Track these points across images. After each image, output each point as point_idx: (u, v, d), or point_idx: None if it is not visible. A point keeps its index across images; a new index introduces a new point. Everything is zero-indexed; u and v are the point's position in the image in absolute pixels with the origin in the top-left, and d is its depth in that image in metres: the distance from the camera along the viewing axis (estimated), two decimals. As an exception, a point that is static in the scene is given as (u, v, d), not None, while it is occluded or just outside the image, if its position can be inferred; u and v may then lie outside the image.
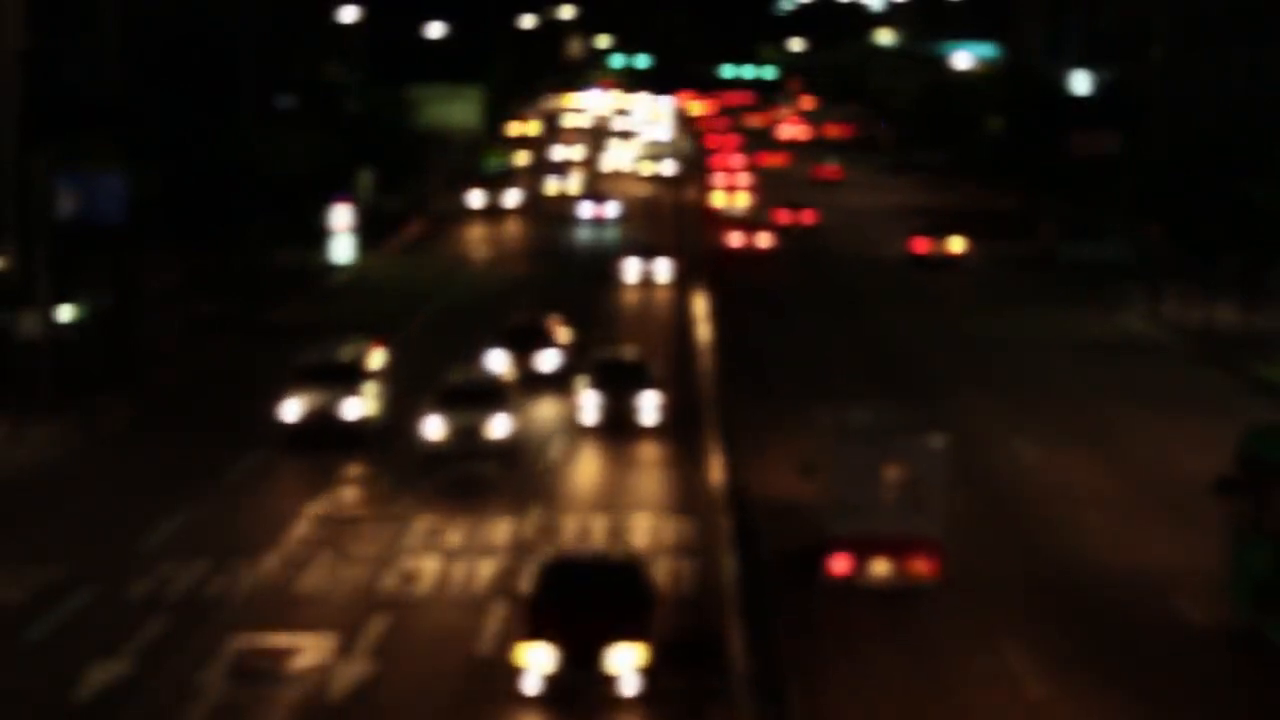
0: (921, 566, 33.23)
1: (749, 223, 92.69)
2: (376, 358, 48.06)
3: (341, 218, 79.99)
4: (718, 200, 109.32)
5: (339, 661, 29.97)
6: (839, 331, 64.88)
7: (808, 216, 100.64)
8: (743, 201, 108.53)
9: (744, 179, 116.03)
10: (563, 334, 55.88)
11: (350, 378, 46.15)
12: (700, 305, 68.44)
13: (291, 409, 45.44)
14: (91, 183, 51.52)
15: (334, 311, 69.18)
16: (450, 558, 36.06)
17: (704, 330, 62.76)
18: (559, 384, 52.18)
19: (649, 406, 47.54)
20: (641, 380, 48.20)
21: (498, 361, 53.13)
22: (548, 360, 54.03)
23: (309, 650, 30.44)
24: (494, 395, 44.83)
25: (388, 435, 46.14)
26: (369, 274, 79.77)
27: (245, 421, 46.92)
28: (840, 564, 33.36)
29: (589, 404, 47.58)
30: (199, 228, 65.07)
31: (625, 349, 53.57)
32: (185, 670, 29.54)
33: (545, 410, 50.14)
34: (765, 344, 61.71)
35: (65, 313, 53.52)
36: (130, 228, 55.01)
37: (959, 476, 39.98)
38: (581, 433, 47.31)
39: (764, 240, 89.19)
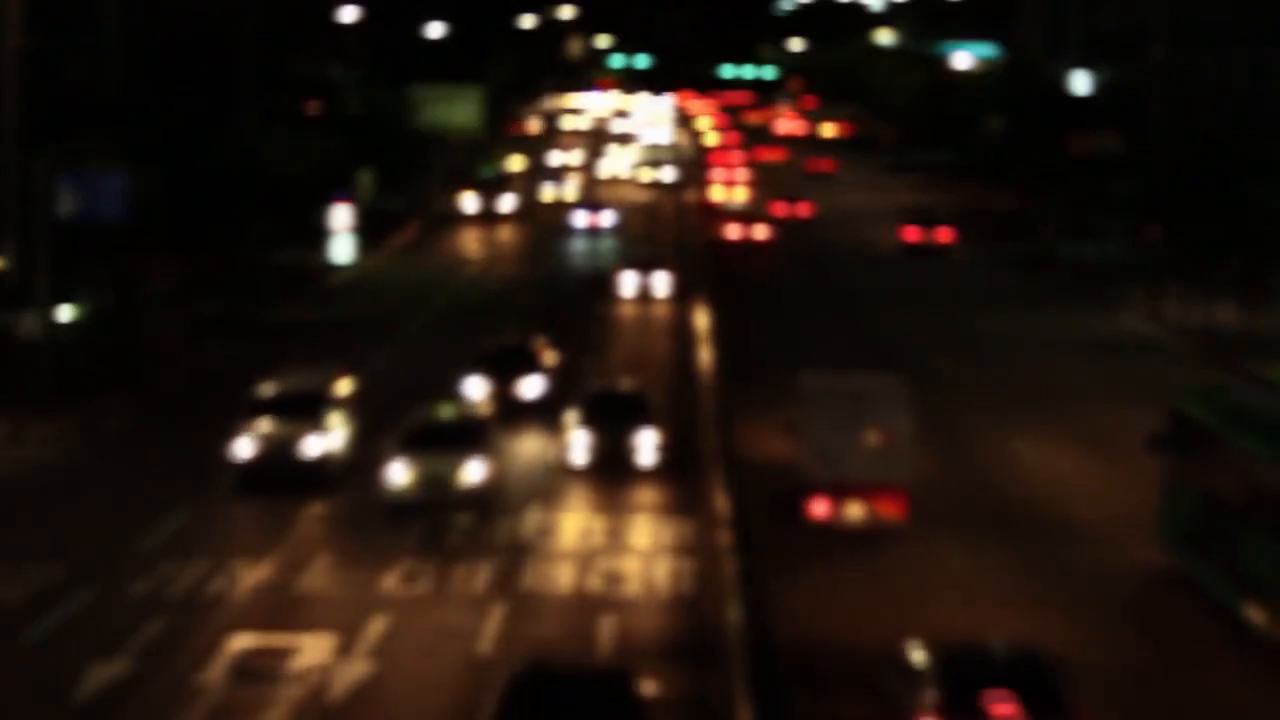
0: (890, 509, 37.57)
1: (746, 216, 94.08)
2: (341, 387, 43.93)
3: (341, 218, 80.00)
4: (716, 195, 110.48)
5: (339, 661, 29.99)
6: (839, 332, 64.83)
7: (804, 209, 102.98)
8: (741, 196, 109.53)
9: (742, 174, 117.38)
10: (549, 357, 51.43)
11: (311, 411, 41.97)
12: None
13: (245, 445, 41.21)
14: (92, 183, 51.52)
15: (334, 311, 69.26)
16: (451, 557, 36.09)
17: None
18: (544, 413, 48.34)
19: (647, 445, 42.76)
20: (639, 415, 43.36)
21: (476, 388, 48.93)
22: (532, 386, 49.37)
23: (309, 650, 30.46)
24: (467, 436, 39.85)
25: (357, 473, 41.93)
26: (369, 274, 79.79)
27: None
28: (819, 508, 37.69)
29: (579, 443, 42.81)
30: (199, 228, 65.09)
31: (621, 379, 49.17)
32: (185, 670, 29.57)
33: (528, 449, 45.57)
34: (765, 345, 61.61)
35: (65, 313, 53.52)
36: (130, 228, 55.03)
37: (959, 475, 43.49)
38: (570, 475, 42.79)
39: (761, 232, 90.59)
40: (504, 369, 49.57)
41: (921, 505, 38.96)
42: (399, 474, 38.83)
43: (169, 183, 61.55)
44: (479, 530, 38.03)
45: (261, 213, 71.90)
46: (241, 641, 30.90)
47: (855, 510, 37.51)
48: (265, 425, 41.40)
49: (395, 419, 41.63)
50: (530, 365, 49.95)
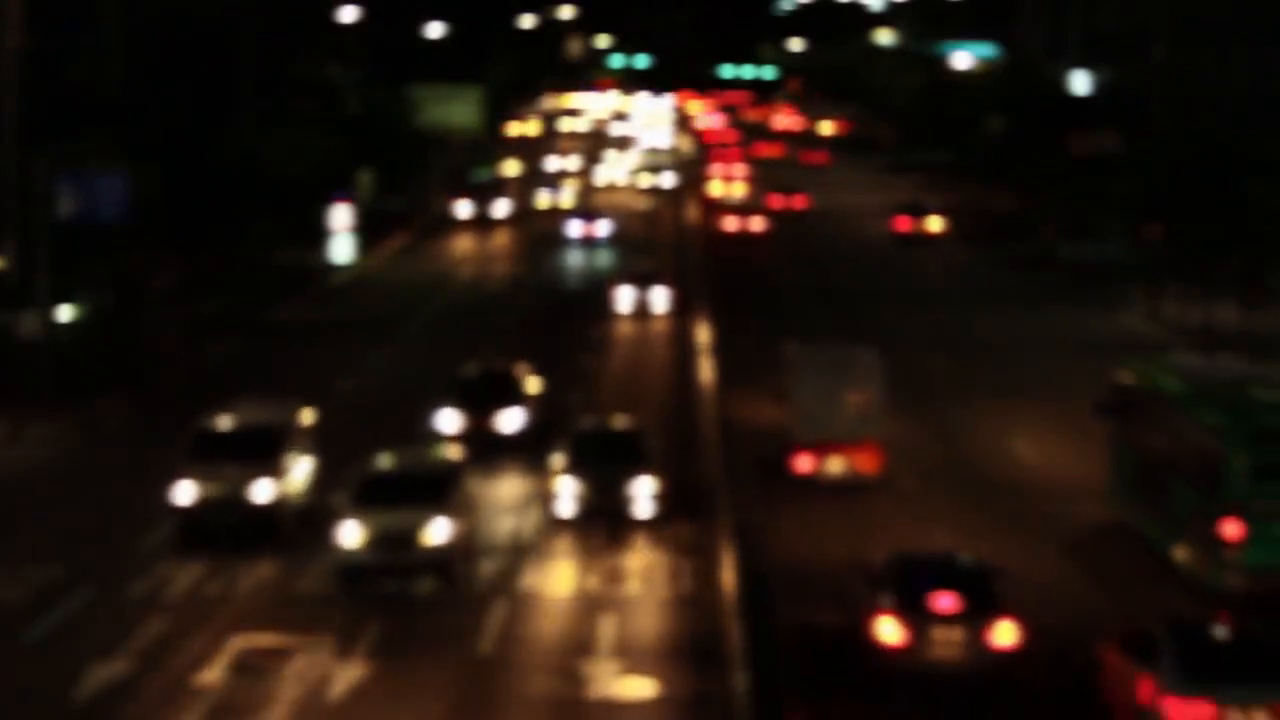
0: (867, 463, 41.55)
1: (743, 208, 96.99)
2: (301, 421, 39.21)
3: (341, 218, 79.97)
4: (715, 189, 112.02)
5: (338, 661, 29.97)
6: (839, 332, 64.77)
7: (799, 201, 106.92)
8: (739, 191, 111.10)
9: (740, 170, 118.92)
10: (532, 384, 46.27)
11: (265, 450, 37.20)
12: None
13: (185, 490, 36.57)
14: (91, 183, 51.55)
15: (334, 311, 69.28)
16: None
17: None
18: (527, 450, 43.87)
19: (644, 494, 37.76)
20: (635, 459, 38.35)
21: (449, 422, 44.14)
22: (512, 420, 44.38)
23: (309, 650, 30.44)
24: (432, 487, 34.55)
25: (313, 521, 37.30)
26: (369, 274, 79.78)
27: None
28: (803, 464, 41.64)
29: (566, 491, 37.97)
30: (199, 227, 65.08)
31: (614, 416, 43.19)
32: (185, 670, 29.58)
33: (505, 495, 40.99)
34: (765, 343, 61.61)
35: (65, 313, 53.52)
36: (130, 228, 55.05)
37: (947, 457, 45.49)
38: (556, 528, 38.10)
39: (757, 224, 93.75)
40: (480, 399, 44.61)
41: (910, 485, 42.21)
42: (350, 534, 33.56)
43: (169, 183, 61.56)
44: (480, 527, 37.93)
45: (261, 213, 71.89)
46: (241, 642, 30.90)
47: (835, 465, 41.58)
48: (210, 467, 36.73)
49: (381, 438, 39.77)
50: (510, 395, 44.94)
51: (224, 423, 38.26)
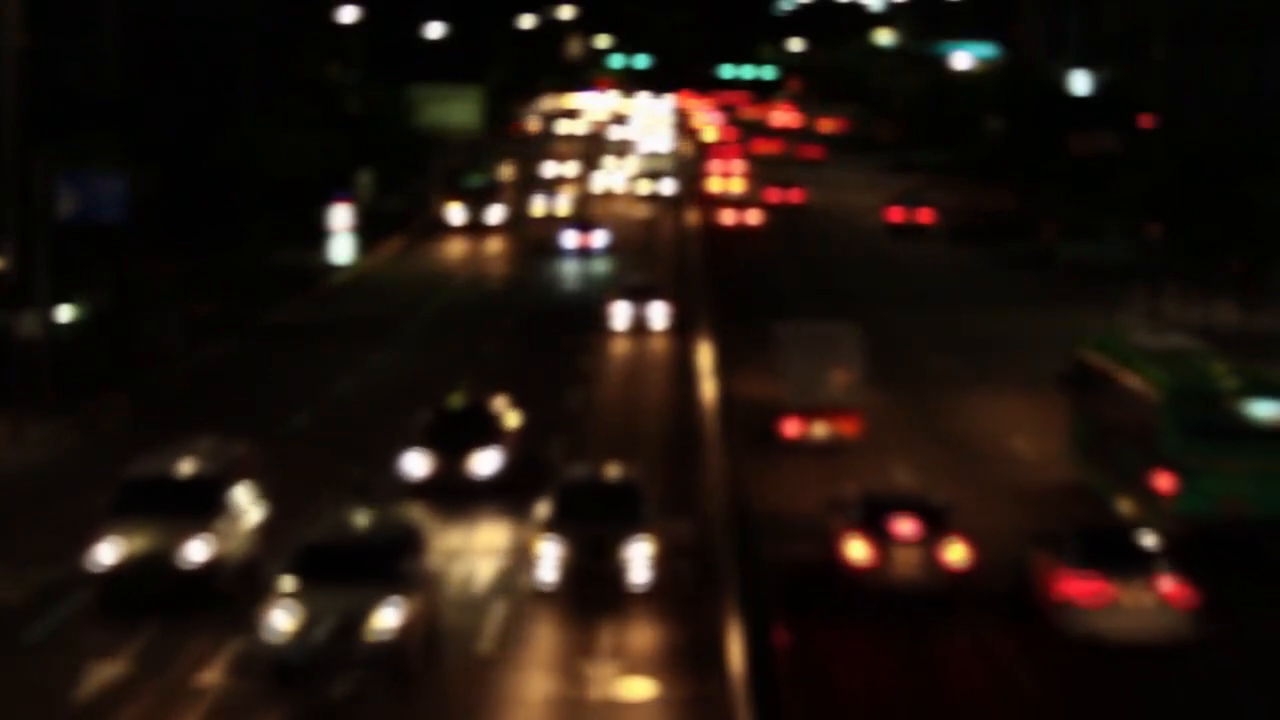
0: (849, 428, 46.07)
1: (741, 202, 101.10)
2: (244, 464, 34.86)
3: (341, 218, 79.91)
4: (714, 186, 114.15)
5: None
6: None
7: (795, 195, 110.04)
8: (737, 187, 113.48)
9: (738, 166, 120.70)
10: (511, 419, 42.06)
11: (199, 502, 32.72)
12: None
13: (106, 549, 31.95)
14: (91, 183, 51.50)
15: (334, 311, 69.25)
16: (450, 558, 36.02)
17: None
18: (505, 497, 39.60)
19: (639, 558, 32.58)
20: (629, 516, 33.30)
21: (416, 465, 39.94)
22: (488, 461, 39.95)
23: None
24: (383, 560, 29.27)
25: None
26: (369, 274, 79.75)
27: (243, 422, 46.81)
28: (792, 428, 46.21)
29: (549, 554, 32.73)
30: (199, 227, 65.10)
31: (607, 466, 36.58)
32: (185, 670, 29.54)
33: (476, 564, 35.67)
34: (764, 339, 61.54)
35: (65, 313, 53.51)
36: (130, 228, 55.06)
37: (944, 452, 46.73)
38: (538, 599, 33.11)
39: (754, 218, 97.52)
40: (452, 439, 40.20)
41: (891, 453, 45.68)
42: (282, 621, 28.20)
43: (169, 183, 61.61)
44: (478, 529, 37.81)
45: (261, 213, 71.92)
46: (242, 642, 30.85)
47: (821, 429, 46.04)
48: (136, 521, 32.37)
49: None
50: (486, 434, 40.49)
51: (154, 470, 33.85)
